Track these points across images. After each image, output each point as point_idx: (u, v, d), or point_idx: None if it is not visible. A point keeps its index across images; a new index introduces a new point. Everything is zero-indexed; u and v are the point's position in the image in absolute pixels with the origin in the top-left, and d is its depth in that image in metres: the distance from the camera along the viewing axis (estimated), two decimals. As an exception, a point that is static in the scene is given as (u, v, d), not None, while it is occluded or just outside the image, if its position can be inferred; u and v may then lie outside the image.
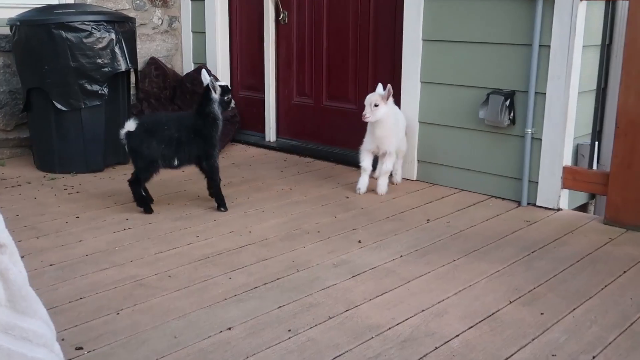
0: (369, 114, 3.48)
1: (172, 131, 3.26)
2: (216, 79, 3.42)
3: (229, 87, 3.36)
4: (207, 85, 3.28)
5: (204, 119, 3.29)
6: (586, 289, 2.47)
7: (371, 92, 3.57)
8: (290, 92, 4.85)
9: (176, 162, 3.31)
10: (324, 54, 4.56)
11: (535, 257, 2.78)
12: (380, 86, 3.55)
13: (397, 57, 4.00)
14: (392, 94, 3.50)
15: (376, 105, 3.47)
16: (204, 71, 3.46)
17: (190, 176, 4.01)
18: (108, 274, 2.58)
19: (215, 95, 3.28)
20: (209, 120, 3.29)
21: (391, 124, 3.55)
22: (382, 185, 3.64)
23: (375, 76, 4.26)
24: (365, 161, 3.63)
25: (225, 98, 3.31)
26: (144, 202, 3.35)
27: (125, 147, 3.27)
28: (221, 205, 3.38)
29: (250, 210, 3.41)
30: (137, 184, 3.31)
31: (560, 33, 3.24)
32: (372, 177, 3.74)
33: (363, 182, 3.67)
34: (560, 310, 2.30)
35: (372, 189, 3.71)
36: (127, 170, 4.13)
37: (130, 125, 3.23)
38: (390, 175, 3.75)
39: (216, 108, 3.29)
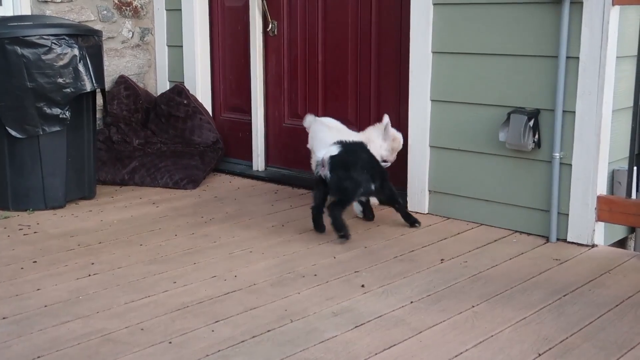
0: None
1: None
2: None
3: None
4: None
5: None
6: (628, 337, 2.47)
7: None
8: (281, 113, 4.88)
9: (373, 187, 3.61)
10: (320, 69, 4.61)
11: (568, 302, 2.78)
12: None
13: (404, 72, 4.04)
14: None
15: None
16: None
17: (165, 212, 4.02)
18: (70, 328, 2.57)
19: None
20: None
21: None
22: None
23: (379, 94, 4.30)
24: None
25: None
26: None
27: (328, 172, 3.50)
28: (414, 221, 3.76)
29: (236, 250, 3.41)
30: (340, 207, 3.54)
31: (590, 42, 3.28)
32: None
33: (357, 206, 3.89)
34: (597, 363, 2.30)
35: (379, 221, 3.74)
36: (92, 207, 4.15)
37: (333, 150, 3.54)
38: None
39: None
